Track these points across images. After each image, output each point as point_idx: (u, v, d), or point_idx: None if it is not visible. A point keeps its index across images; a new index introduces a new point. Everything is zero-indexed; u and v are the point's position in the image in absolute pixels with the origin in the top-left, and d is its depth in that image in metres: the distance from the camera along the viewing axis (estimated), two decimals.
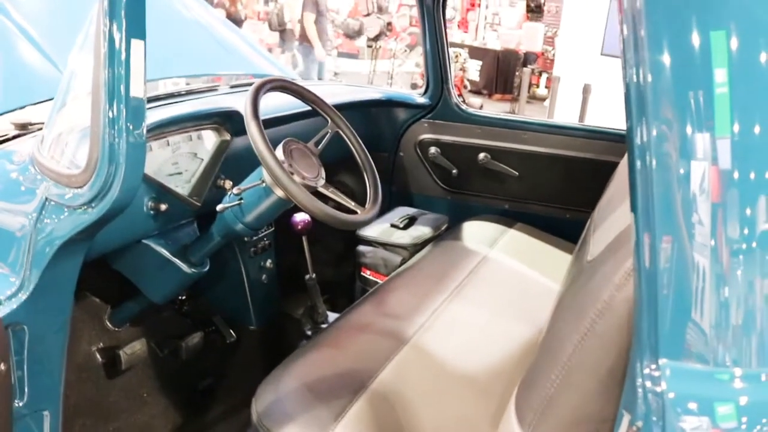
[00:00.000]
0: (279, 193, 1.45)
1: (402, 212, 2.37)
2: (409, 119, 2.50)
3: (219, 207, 1.50)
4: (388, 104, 2.51)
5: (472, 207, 2.46)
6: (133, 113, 1.04)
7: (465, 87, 8.97)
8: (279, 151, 1.44)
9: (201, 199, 1.67)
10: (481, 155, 2.39)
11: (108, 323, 1.78)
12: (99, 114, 1.04)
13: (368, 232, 2.21)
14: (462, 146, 2.43)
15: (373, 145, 2.07)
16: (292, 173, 1.41)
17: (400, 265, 2.10)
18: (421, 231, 2.24)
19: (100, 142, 1.05)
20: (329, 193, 1.51)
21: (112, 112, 1.03)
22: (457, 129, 2.43)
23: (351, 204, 1.53)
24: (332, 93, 2.23)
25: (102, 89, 1.02)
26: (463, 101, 2.52)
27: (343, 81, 7.79)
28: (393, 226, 2.25)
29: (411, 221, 2.30)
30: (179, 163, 1.62)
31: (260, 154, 1.36)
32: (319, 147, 1.59)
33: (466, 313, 1.69)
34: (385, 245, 2.18)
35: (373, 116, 2.49)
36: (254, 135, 1.36)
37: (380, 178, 1.66)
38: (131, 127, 1.05)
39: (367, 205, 1.57)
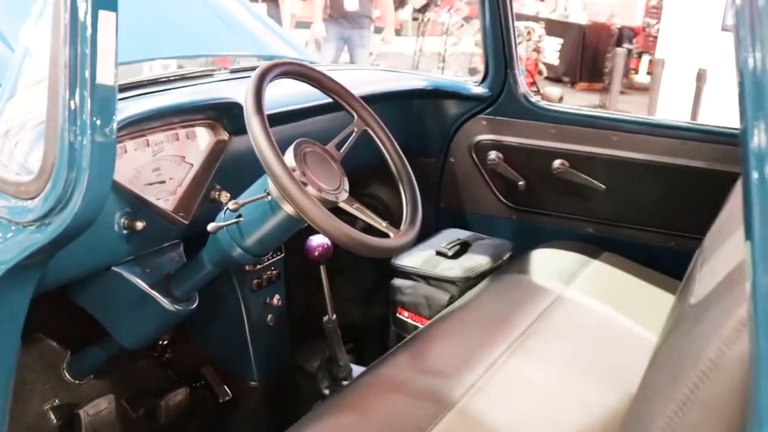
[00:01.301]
0: (288, 209, 1.45)
1: (451, 236, 2.36)
2: (463, 115, 2.50)
3: (211, 226, 1.51)
4: (435, 95, 2.52)
5: (544, 230, 2.44)
6: (100, 104, 1.06)
7: (540, 73, 8.95)
8: (289, 156, 1.45)
9: (189, 216, 1.69)
10: (557, 162, 2.37)
11: (66, 374, 1.80)
12: (57, 105, 1.06)
13: (406, 261, 2.21)
14: (531, 150, 2.42)
15: (415, 149, 2.07)
16: (306, 184, 1.42)
17: (447, 305, 2.09)
18: (475, 261, 2.22)
19: (57, 141, 1.07)
20: (354, 210, 1.52)
21: (74, 102, 1.05)
22: (526, 128, 2.43)
23: (382, 225, 1.53)
24: (361, 81, 2.24)
25: (61, 73, 1.04)
26: (537, 92, 2.53)
27: (381, 64, 7.84)
28: (439, 253, 2.24)
29: (463, 248, 2.29)
30: (162, 169, 1.64)
31: (264, 159, 1.37)
32: (342, 150, 1.60)
33: (531, 370, 1.67)
34: (428, 279, 2.17)
35: (415, 111, 2.50)
36: (257, 134, 1.37)
37: (423, 190, 1.66)
38: (98, 122, 1.06)
39: (402, 227, 1.56)
